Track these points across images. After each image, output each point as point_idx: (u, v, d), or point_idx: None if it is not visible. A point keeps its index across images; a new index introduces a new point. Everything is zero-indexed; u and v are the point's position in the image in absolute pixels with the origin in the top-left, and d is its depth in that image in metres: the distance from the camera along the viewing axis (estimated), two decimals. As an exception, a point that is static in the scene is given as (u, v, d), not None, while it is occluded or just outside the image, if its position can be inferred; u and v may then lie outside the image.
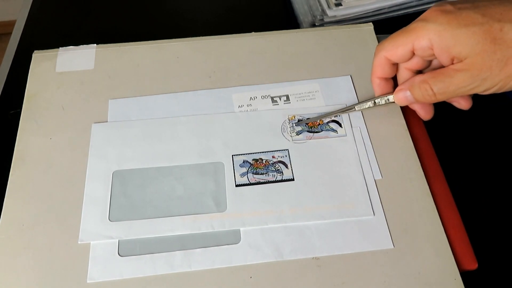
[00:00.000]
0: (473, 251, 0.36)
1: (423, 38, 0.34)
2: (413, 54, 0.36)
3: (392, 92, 0.39)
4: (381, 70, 0.39)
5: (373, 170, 0.39)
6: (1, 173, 0.40)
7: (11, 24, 0.64)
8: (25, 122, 0.42)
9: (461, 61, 0.33)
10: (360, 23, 0.49)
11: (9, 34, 0.57)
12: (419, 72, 0.38)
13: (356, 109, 0.41)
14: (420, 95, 0.36)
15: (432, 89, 0.35)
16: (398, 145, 0.40)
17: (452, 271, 0.34)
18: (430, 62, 0.38)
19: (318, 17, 0.53)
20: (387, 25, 0.52)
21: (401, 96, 0.38)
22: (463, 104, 0.38)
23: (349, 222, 0.36)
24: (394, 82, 0.40)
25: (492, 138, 0.45)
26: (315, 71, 0.45)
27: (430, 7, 0.54)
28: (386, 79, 0.40)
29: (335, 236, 0.36)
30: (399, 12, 0.55)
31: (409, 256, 0.35)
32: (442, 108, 0.40)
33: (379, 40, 0.47)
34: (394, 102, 0.39)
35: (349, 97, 0.43)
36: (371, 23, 0.48)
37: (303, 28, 0.54)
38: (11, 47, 0.55)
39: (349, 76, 0.44)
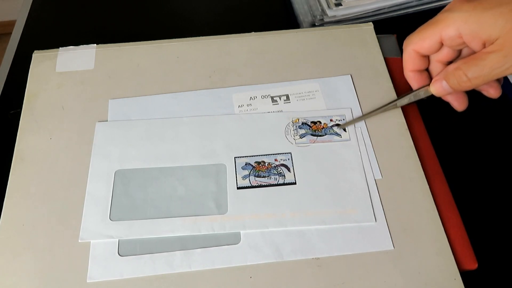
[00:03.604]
0: (473, 251, 0.36)
1: (450, 27, 0.34)
2: (441, 45, 0.36)
3: (429, 84, 0.39)
4: (412, 63, 0.39)
5: (373, 170, 0.39)
6: (1, 173, 0.40)
7: (11, 24, 0.64)
8: (25, 122, 0.42)
9: (492, 43, 0.33)
10: (360, 23, 0.49)
11: (9, 34, 0.57)
12: (451, 63, 0.38)
13: (398, 105, 0.41)
14: (456, 82, 0.36)
15: (466, 75, 0.34)
16: (398, 144, 0.40)
17: (452, 271, 0.34)
18: (459, 52, 0.38)
19: (318, 17, 0.53)
20: (387, 25, 0.52)
21: (438, 86, 0.37)
22: (492, 93, 0.38)
23: (349, 225, 0.36)
24: (429, 74, 0.40)
25: (492, 138, 0.45)
26: (315, 71, 0.45)
27: (430, 7, 0.54)
28: (419, 71, 0.39)
29: (335, 237, 0.36)
30: (399, 12, 0.55)
31: (409, 256, 0.35)
32: (442, 108, 0.40)
33: (379, 40, 0.47)
34: (432, 94, 0.39)
35: (349, 97, 0.43)
36: (371, 23, 0.48)
37: (303, 28, 0.54)
38: (11, 47, 0.55)
39: (349, 75, 0.44)
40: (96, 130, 0.41)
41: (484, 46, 0.34)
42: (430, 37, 0.36)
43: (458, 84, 0.36)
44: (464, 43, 0.35)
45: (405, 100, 0.40)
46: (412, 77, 0.40)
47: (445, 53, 0.37)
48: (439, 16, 0.35)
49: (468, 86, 0.35)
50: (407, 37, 0.38)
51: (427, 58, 0.39)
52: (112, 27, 0.56)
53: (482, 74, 0.34)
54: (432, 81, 0.38)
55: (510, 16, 0.32)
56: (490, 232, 0.40)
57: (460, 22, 0.33)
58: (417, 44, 0.37)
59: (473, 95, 0.39)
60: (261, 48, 0.47)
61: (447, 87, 0.37)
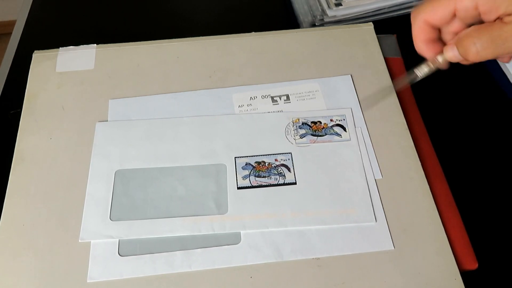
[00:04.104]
0: (473, 251, 0.36)
1: None
2: (453, 16, 0.34)
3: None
4: (422, 33, 0.36)
5: (373, 170, 0.39)
6: (1, 173, 0.40)
7: (11, 24, 0.64)
8: (25, 122, 0.42)
9: (509, 14, 0.31)
10: (360, 23, 0.49)
11: (9, 34, 0.57)
12: None
13: (418, 75, 0.36)
14: (464, 51, 0.34)
15: (477, 44, 0.32)
16: (399, 144, 0.40)
17: (452, 271, 0.34)
18: (469, 26, 0.35)
19: (318, 17, 0.53)
20: (387, 25, 0.52)
21: (450, 53, 0.35)
22: (505, 59, 0.35)
23: (350, 225, 0.36)
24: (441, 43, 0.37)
25: (492, 138, 0.45)
26: (315, 71, 0.45)
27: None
28: (432, 40, 0.37)
29: (335, 237, 0.36)
30: (399, 12, 0.55)
31: (409, 256, 0.35)
32: (442, 107, 0.40)
33: (379, 40, 0.47)
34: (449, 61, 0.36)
35: (349, 97, 0.43)
36: (371, 23, 0.48)
37: (303, 28, 0.54)
38: (11, 47, 0.55)
39: (349, 75, 0.44)
40: (96, 130, 0.41)
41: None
42: (443, 6, 0.33)
43: (466, 52, 0.33)
44: (477, 16, 0.33)
45: (426, 69, 0.37)
46: (426, 46, 0.36)
47: (456, 27, 0.35)
48: None
49: (477, 58, 0.33)
50: (416, 7, 0.35)
51: (437, 30, 0.36)
52: (112, 27, 0.56)
53: (495, 45, 0.32)
54: (445, 47, 0.36)
55: None
56: (490, 232, 0.40)
57: None
58: (429, 13, 0.34)
59: (473, 95, 0.39)
60: (261, 48, 0.47)
61: (458, 54, 0.34)
